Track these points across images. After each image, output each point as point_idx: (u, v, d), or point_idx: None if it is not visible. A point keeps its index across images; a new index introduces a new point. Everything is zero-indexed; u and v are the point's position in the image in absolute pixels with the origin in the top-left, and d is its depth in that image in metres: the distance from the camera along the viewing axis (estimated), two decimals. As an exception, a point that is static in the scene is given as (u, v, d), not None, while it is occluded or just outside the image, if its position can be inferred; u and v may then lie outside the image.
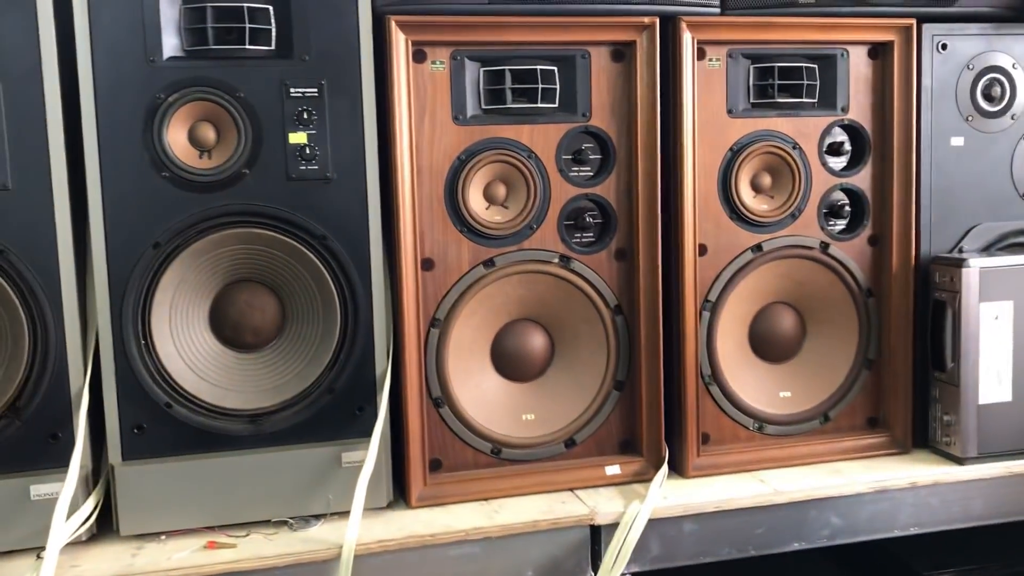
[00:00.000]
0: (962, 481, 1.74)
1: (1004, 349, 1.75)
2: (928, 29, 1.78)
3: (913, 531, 1.74)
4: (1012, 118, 1.84)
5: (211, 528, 1.55)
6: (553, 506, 1.63)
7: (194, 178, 1.50)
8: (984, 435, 1.76)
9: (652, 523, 1.62)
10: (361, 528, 1.53)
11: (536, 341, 1.73)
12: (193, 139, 1.51)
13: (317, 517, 1.58)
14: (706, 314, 1.75)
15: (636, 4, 1.64)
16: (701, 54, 1.70)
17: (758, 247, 1.76)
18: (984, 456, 1.76)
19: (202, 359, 1.56)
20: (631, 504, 1.62)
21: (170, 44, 1.48)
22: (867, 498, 1.71)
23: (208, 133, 1.51)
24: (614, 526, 1.60)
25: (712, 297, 1.75)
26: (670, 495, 1.67)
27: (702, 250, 1.74)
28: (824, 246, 1.79)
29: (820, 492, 1.69)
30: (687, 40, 1.67)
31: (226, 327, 1.57)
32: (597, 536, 1.61)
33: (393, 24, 1.54)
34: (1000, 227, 1.86)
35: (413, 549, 1.52)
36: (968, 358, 1.74)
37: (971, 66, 1.82)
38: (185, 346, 1.55)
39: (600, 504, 1.63)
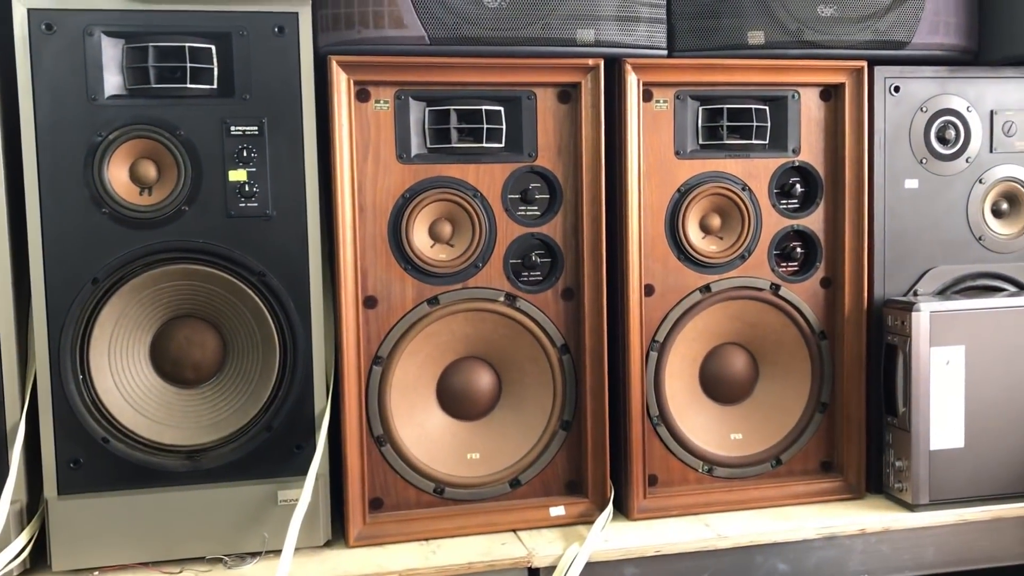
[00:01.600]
0: (913, 528, 1.72)
1: (956, 394, 1.73)
2: (880, 71, 1.78)
3: (863, 578, 1.72)
4: (967, 161, 1.83)
5: (146, 564, 1.55)
6: (492, 547, 1.62)
7: (134, 215, 1.51)
8: (936, 481, 1.73)
9: (592, 566, 1.60)
10: (295, 567, 1.52)
11: (483, 379, 1.72)
12: (134, 176, 1.53)
13: (253, 555, 1.58)
14: (654, 354, 1.74)
15: (581, 46, 1.65)
16: (648, 96, 1.70)
17: (707, 288, 1.75)
18: (936, 503, 1.74)
19: (141, 394, 1.57)
20: (570, 547, 1.60)
21: (112, 82, 1.50)
22: (815, 544, 1.69)
23: (149, 170, 1.53)
24: (552, 569, 1.58)
25: (660, 337, 1.74)
26: (612, 538, 1.65)
27: (649, 290, 1.73)
28: (775, 288, 1.78)
29: (766, 537, 1.67)
30: (632, 82, 1.67)
31: (166, 362, 1.58)
32: (535, 579, 1.59)
33: (335, 64, 1.56)
34: (956, 270, 1.85)
35: (344, 589, 1.51)
36: (919, 403, 1.72)
37: (924, 108, 1.81)
38: (124, 381, 1.55)
39: (540, 546, 1.62)
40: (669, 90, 1.72)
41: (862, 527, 1.70)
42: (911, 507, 1.74)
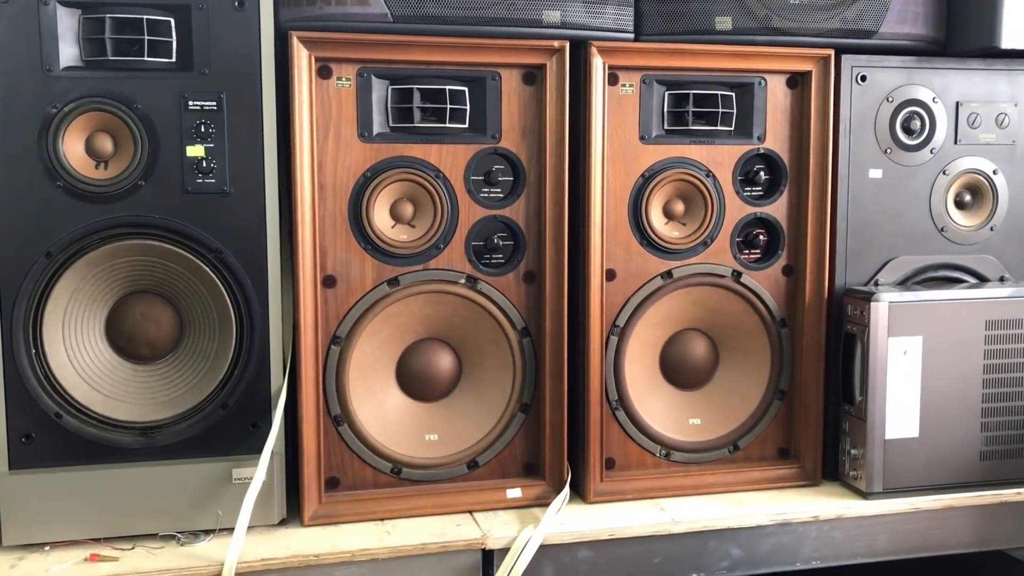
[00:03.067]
0: (866, 516, 1.73)
1: (912, 384, 1.74)
2: (848, 60, 1.78)
3: (815, 564, 1.73)
4: (931, 152, 1.84)
5: (98, 540, 1.54)
6: (447, 528, 1.62)
7: (89, 189, 1.50)
8: (890, 470, 1.75)
9: (547, 549, 1.61)
10: (249, 546, 1.52)
11: (443, 361, 1.72)
12: (90, 149, 1.51)
13: (207, 532, 1.57)
14: (614, 339, 1.74)
15: (547, 27, 1.63)
16: (614, 79, 1.69)
17: (668, 274, 1.75)
18: (889, 491, 1.75)
19: (96, 369, 1.55)
20: (524, 529, 1.60)
21: (68, 54, 1.48)
22: (769, 530, 1.70)
23: (105, 144, 1.51)
24: (506, 551, 1.58)
25: (620, 322, 1.74)
26: (567, 520, 1.66)
27: (610, 275, 1.73)
28: (736, 275, 1.79)
29: (719, 523, 1.68)
30: (598, 65, 1.66)
31: (122, 338, 1.57)
32: (489, 561, 1.59)
33: (296, 40, 1.54)
34: (918, 261, 1.85)
35: (297, 569, 1.51)
36: (875, 392, 1.73)
37: (891, 99, 1.81)
38: (79, 356, 1.54)
39: (495, 528, 1.62)
40: (635, 74, 1.71)
41: (816, 514, 1.71)
42: (865, 495, 1.75)
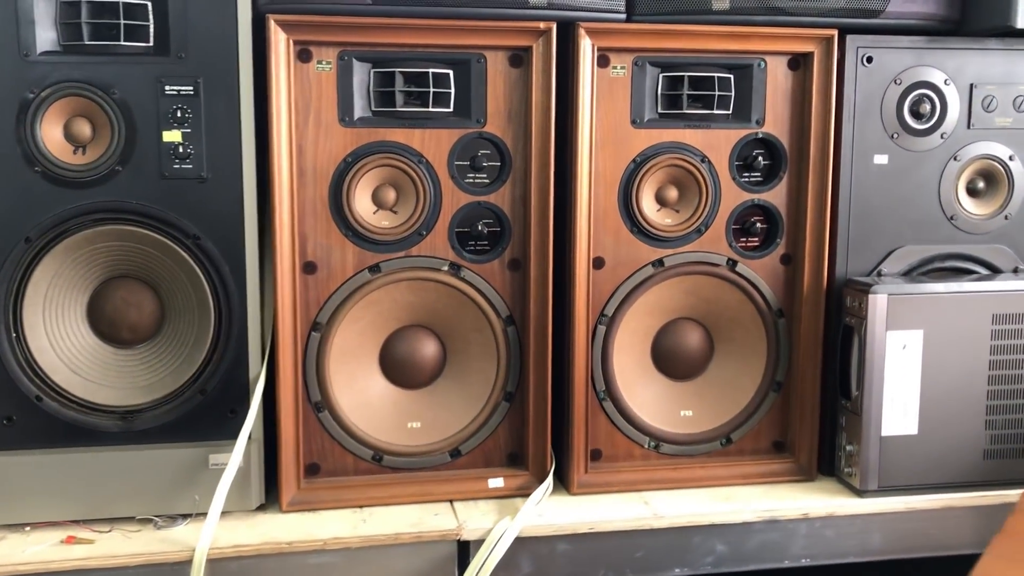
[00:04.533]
0: (859, 514, 1.68)
1: (911, 380, 1.68)
2: (853, 41, 1.70)
3: (805, 562, 1.69)
4: (942, 137, 1.75)
5: (77, 522, 1.56)
6: (424, 518, 1.61)
7: (67, 174, 1.50)
8: (886, 468, 1.69)
9: (525, 541, 1.59)
10: (224, 531, 1.53)
11: (427, 348, 1.70)
12: (68, 134, 1.50)
13: (184, 517, 1.58)
14: (602, 328, 1.70)
15: (534, 8, 1.59)
16: (604, 61, 1.64)
17: (660, 262, 1.71)
18: (885, 489, 1.70)
19: (77, 353, 1.56)
20: (501, 520, 1.59)
21: (45, 38, 1.47)
22: (756, 527, 1.66)
23: (84, 129, 1.51)
24: (482, 542, 1.57)
25: (609, 311, 1.70)
26: (547, 512, 1.64)
27: (599, 263, 1.69)
28: (732, 263, 1.73)
29: (704, 518, 1.64)
30: (586, 47, 1.61)
31: (103, 323, 1.57)
32: (465, 551, 1.58)
33: (273, 23, 1.52)
34: (925, 250, 1.78)
35: (269, 557, 1.51)
36: (872, 387, 1.67)
37: (899, 81, 1.73)
38: (59, 340, 1.55)
39: (472, 518, 1.61)
40: (627, 56, 1.65)
41: (805, 511, 1.67)
42: (860, 492, 1.70)
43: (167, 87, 1.50)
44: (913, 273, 1.77)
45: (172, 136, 1.51)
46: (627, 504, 1.67)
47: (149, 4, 1.49)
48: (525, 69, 1.62)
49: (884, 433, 1.68)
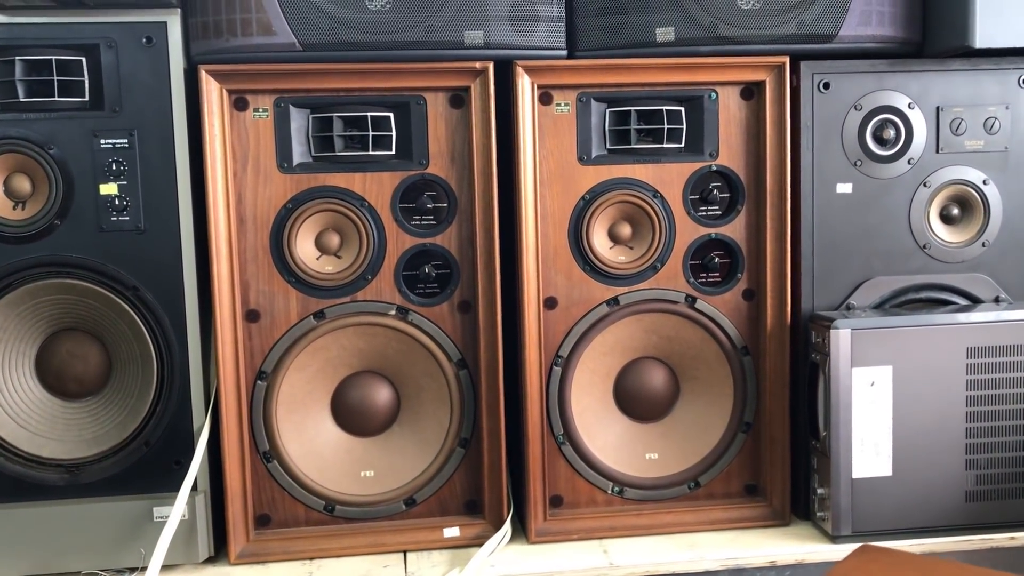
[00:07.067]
0: (830, 561, 1.59)
1: (882, 419, 1.59)
2: (808, 67, 1.65)
3: (775, 612, 1.61)
4: (909, 163, 1.68)
5: (24, 578, 1.56)
6: (372, 570, 1.57)
7: (7, 229, 1.51)
8: (860, 511, 1.60)
9: (475, 593, 1.54)
10: (169, 584, 1.51)
11: (380, 395, 1.67)
12: (8, 190, 1.52)
13: (132, 570, 1.56)
14: (557, 369, 1.66)
15: (470, 48, 1.57)
16: (547, 99, 1.61)
17: (615, 300, 1.66)
18: (860, 534, 1.61)
19: (24, 407, 1.57)
20: (450, 572, 1.54)
21: (-20, 97, 1.50)
22: None
23: (23, 184, 1.52)
24: (430, 595, 1.52)
25: (564, 352, 1.65)
26: (501, 563, 1.58)
27: (551, 303, 1.65)
28: (691, 300, 1.67)
29: (663, 567, 1.57)
30: (524, 85, 1.58)
31: (50, 375, 1.58)
32: (413, 604, 1.54)
33: (205, 74, 1.52)
34: (897, 281, 1.70)
35: (208, 610, 1.49)
36: (839, 427, 1.59)
37: (859, 106, 1.67)
38: (6, 394, 1.56)
39: (422, 570, 1.56)
40: (571, 92, 1.62)
41: (773, 559, 1.59)
42: (832, 538, 1.61)
43: (102, 140, 1.52)
44: (886, 305, 1.70)
45: (109, 189, 1.52)
46: (585, 553, 1.61)
47: (83, 59, 1.51)
48: (466, 110, 1.60)
49: (856, 475, 1.60)
